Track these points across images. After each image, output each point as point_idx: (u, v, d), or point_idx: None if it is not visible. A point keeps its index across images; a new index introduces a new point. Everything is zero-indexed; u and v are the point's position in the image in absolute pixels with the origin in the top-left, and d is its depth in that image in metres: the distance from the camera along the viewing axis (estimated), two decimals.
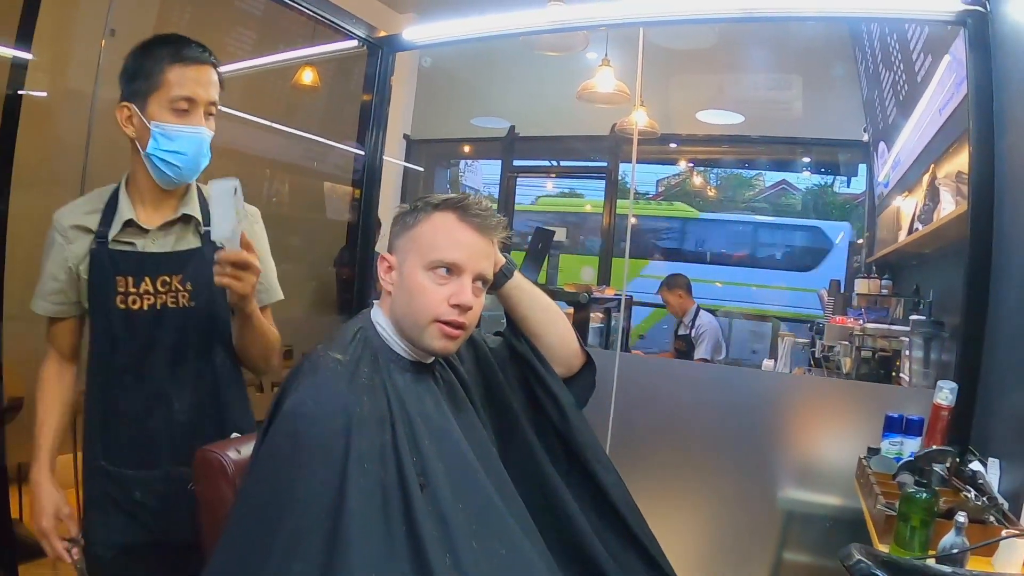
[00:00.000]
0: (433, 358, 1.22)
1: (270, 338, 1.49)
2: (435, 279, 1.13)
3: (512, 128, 5.86)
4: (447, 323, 1.13)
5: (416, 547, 1.00)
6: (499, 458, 1.23)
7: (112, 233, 1.40)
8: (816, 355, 4.17)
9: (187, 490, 1.32)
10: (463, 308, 1.13)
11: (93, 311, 1.41)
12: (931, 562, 1.24)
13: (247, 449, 1.21)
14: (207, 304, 1.43)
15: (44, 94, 2.74)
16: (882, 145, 4.38)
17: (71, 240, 1.41)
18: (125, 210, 1.42)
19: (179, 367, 1.42)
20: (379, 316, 1.21)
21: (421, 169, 6.09)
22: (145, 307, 1.40)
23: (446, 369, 1.26)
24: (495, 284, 1.31)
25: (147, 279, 1.40)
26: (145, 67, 1.36)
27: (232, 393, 1.50)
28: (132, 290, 1.39)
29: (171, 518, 1.41)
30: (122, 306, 1.39)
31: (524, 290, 1.34)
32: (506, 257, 1.31)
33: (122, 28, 2.94)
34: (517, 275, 1.33)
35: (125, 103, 1.38)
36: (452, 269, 1.14)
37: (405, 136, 5.56)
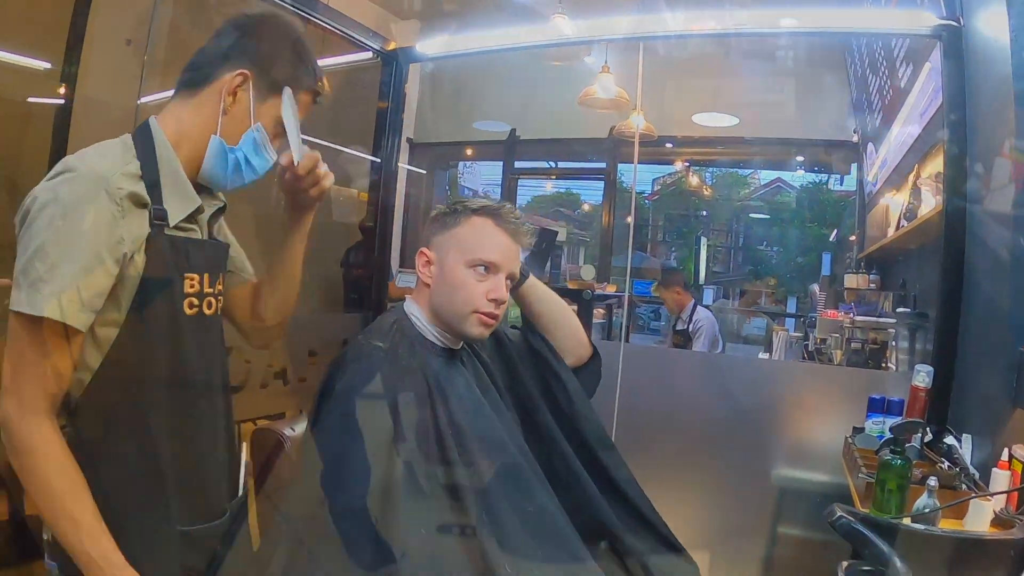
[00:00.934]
0: (461, 344, 1.38)
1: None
2: (475, 275, 1.31)
3: (513, 131, 5.99)
4: (485, 314, 1.30)
5: (456, 505, 1.16)
6: (521, 434, 1.39)
7: (176, 216, 1.04)
8: (809, 348, 4.33)
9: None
10: (499, 302, 1.31)
11: (144, 320, 1.01)
12: (907, 521, 1.39)
13: (300, 427, 1.36)
14: (224, 309, 1.21)
15: (61, 101, 2.86)
16: (870, 146, 4.53)
17: (126, 213, 0.97)
18: (188, 188, 1.06)
19: (218, 384, 1.16)
20: (413, 308, 1.36)
21: (424, 172, 6.19)
22: (219, 312, 1.12)
23: (471, 356, 1.42)
24: (513, 285, 1.48)
25: (220, 276, 1.13)
26: (296, 61, 1.10)
27: None
28: (208, 290, 1.09)
29: None
30: (191, 311, 1.05)
31: (538, 290, 1.51)
32: (523, 261, 1.48)
33: (137, 38, 3.02)
34: (532, 277, 1.50)
35: (244, 71, 1.06)
36: (490, 268, 1.31)
37: (408, 140, 5.67)
